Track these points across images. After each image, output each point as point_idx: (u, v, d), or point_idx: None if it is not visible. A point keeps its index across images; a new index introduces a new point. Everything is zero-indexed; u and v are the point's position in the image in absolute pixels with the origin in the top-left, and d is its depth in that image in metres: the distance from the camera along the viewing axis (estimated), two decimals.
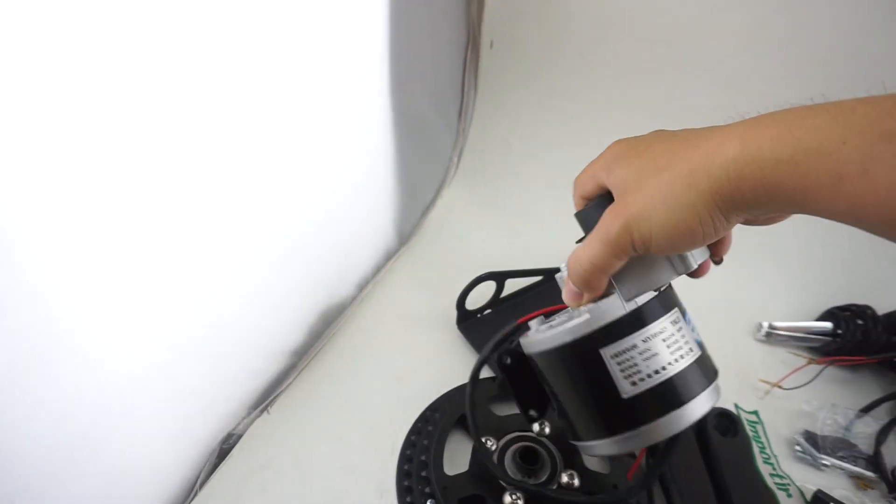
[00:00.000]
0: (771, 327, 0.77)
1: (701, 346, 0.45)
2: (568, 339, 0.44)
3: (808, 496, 0.61)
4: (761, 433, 0.66)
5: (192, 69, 0.39)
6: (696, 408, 0.42)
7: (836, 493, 0.61)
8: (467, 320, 0.74)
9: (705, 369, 0.44)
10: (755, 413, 0.68)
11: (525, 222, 0.89)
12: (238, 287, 0.52)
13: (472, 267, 0.73)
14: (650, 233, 0.37)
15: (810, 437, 0.66)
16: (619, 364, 0.42)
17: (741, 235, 0.87)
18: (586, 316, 0.43)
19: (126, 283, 0.40)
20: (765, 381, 0.70)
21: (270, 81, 0.47)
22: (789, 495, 0.61)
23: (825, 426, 0.67)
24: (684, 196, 0.35)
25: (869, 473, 0.64)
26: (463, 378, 0.69)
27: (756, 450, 0.63)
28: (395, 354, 0.71)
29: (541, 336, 0.47)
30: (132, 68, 0.35)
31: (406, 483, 0.59)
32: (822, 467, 0.64)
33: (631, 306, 0.43)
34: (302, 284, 0.64)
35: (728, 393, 0.71)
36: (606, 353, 0.42)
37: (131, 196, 0.38)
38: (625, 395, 0.42)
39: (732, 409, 0.67)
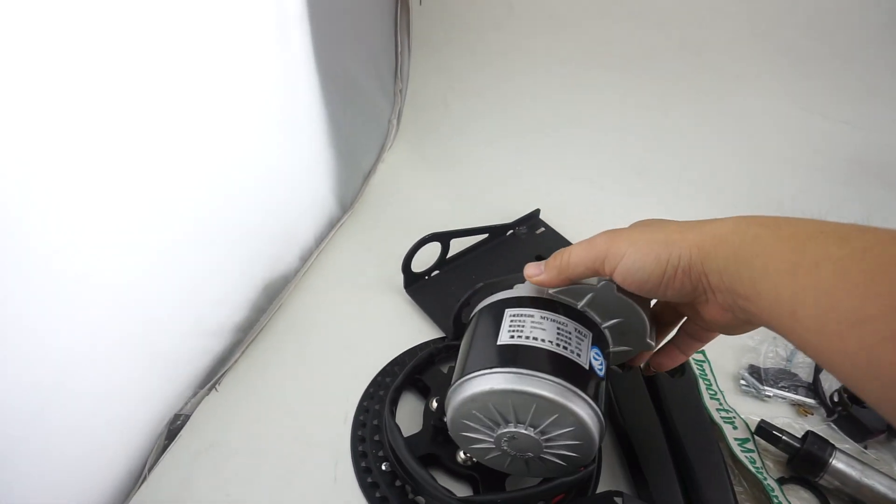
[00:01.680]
0: None
1: (592, 368, 0.48)
2: (504, 296, 0.52)
3: (753, 426, 0.63)
4: (708, 371, 0.67)
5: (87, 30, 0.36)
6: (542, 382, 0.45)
7: (778, 422, 0.64)
8: (415, 283, 0.73)
9: (572, 375, 0.46)
10: (702, 353, 0.69)
11: (470, 180, 0.88)
12: (171, 266, 0.50)
13: (418, 229, 0.72)
14: (624, 252, 0.43)
15: (754, 371, 0.68)
16: (512, 322, 0.49)
17: (682, 186, 0.88)
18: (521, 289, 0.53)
19: (61, 256, 0.38)
20: None
21: (176, 40, 0.44)
22: (735, 427, 0.62)
23: (767, 359, 0.69)
24: (663, 238, 0.42)
25: (809, 400, 0.66)
26: (413, 340, 0.69)
27: (703, 387, 0.65)
28: (343, 323, 0.70)
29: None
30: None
31: (360, 448, 0.59)
32: (766, 398, 0.67)
33: (555, 296, 0.51)
34: (240, 259, 0.62)
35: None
36: (508, 312, 0.50)
37: (47, 169, 0.36)
38: (498, 342, 0.48)
39: None
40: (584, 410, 0.46)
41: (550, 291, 0.51)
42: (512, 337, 0.48)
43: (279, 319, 0.69)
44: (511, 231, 0.81)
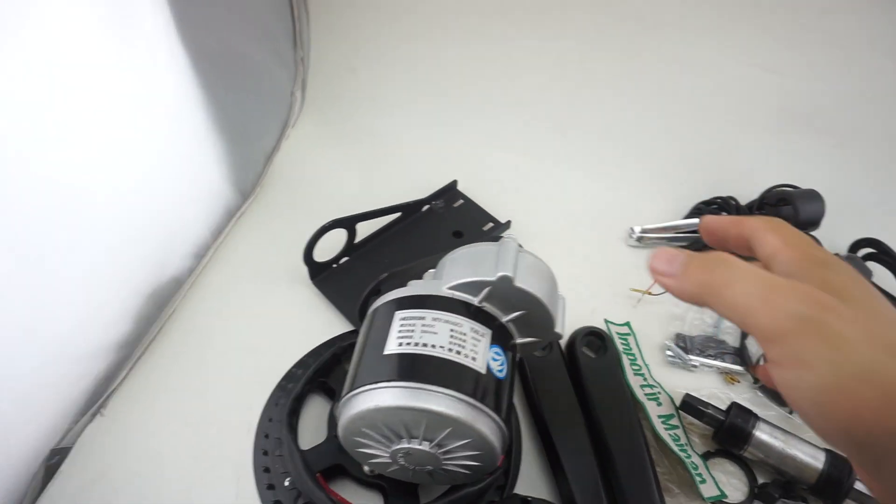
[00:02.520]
0: (642, 231, 0.75)
1: (490, 371, 0.44)
2: (389, 298, 0.48)
3: (679, 400, 0.60)
4: (633, 344, 0.64)
5: None
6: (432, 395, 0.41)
7: (705, 393, 0.61)
8: (321, 273, 0.68)
9: (466, 383, 0.42)
10: (627, 325, 0.66)
11: (383, 153, 0.82)
12: (28, 282, 0.44)
13: (327, 212, 0.67)
14: (811, 358, 0.27)
15: (681, 340, 0.65)
16: (402, 327, 0.45)
17: (607, 145, 0.84)
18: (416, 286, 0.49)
19: None
20: (636, 290, 0.69)
21: None
22: (659, 403, 0.60)
23: (693, 326, 0.66)
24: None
25: (736, 367, 0.64)
26: (322, 336, 0.64)
27: (626, 363, 0.62)
28: (246, 323, 0.65)
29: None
30: None
31: (263, 463, 0.55)
32: (692, 368, 0.64)
33: (448, 293, 0.46)
34: (117, 267, 0.56)
35: (602, 308, 0.69)
36: (398, 315, 0.46)
37: None
38: (385, 352, 0.44)
39: (603, 326, 0.65)
40: (481, 421, 0.42)
41: (445, 288, 0.47)
42: (400, 345, 0.44)
43: (173, 327, 0.63)
44: (427, 206, 0.75)
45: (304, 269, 0.67)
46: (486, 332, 0.45)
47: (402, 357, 0.43)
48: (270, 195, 0.76)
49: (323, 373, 0.59)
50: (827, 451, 0.55)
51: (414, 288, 0.48)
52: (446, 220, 0.75)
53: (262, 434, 0.57)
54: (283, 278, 0.69)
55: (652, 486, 0.53)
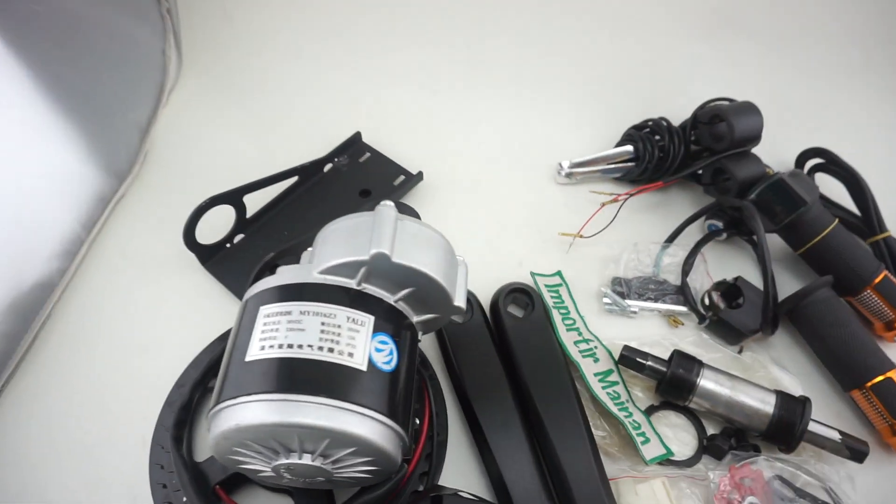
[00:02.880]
0: (571, 165, 0.67)
1: (373, 365, 0.38)
2: (255, 290, 0.41)
3: (618, 354, 0.54)
4: (565, 297, 0.58)
5: None
6: (299, 406, 0.35)
7: (648, 340, 0.56)
8: (213, 257, 0.60)
9: (340, 385, 0.36)
10: (558, 274, 0.60)
11: (278, 111, 0.72)
12: None
13: (220, 186, 0.58)
14: None
15: (618, 284, 0.59)
16: (265, 325, 0.38)
17: (525, 74, 0.75)
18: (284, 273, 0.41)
19: None
20: (565, 234, 0.62)
21: None
22: (596, 360, 0.54)
23: (629, 268, 0.60)
24: None
25: (679, 308, 0.58)
26: (222, 327, 0.57)
27: (557, 319, 0.56)
28: (134, 323, 0.58)
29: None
30: None
31: (161, 478, 0.49)
32: (632, 315, 0.58)
33: (319, 278, 0.40)
34: None
35: (530, 258, 0.62)
36: (262, 311, 0.39)
37: None
38: (247, 358, 0.37)
39: (530, 280, 0.59)
40: (365, 426, 0.36)
41: (317, 272, 0.40)
42: (263, 348, 0.37)
43: (47, 339, 0.56)
44: (329, 165, 0.67)
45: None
46: (367, 320, 0.39)
47: (265, 363, 0.36)
48: (152, 174, 0.67)
49: (216, 373, 0.52)
50: (777, 392, 0.50)
51: (282, 276, 0.41)
52: (352, 178, 0.67)
53: (159, 446, 0.51)
54: (173, 267, 0.61)
55: (589, 456, 0.48)
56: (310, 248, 0.46)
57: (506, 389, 0.51)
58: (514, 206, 0.66)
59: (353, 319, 0.38)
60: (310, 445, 0.37)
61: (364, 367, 0.37)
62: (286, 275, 0.41)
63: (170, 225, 0.62)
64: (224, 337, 0.56)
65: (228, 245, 0.61)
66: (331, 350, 0.37)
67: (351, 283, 0.40)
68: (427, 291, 0.41)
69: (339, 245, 0.40)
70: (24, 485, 0.49)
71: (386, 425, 0.37)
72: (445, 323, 0.46)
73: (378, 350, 0.38)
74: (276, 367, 0.36)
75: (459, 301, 0.43)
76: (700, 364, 0.51)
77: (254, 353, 0.37)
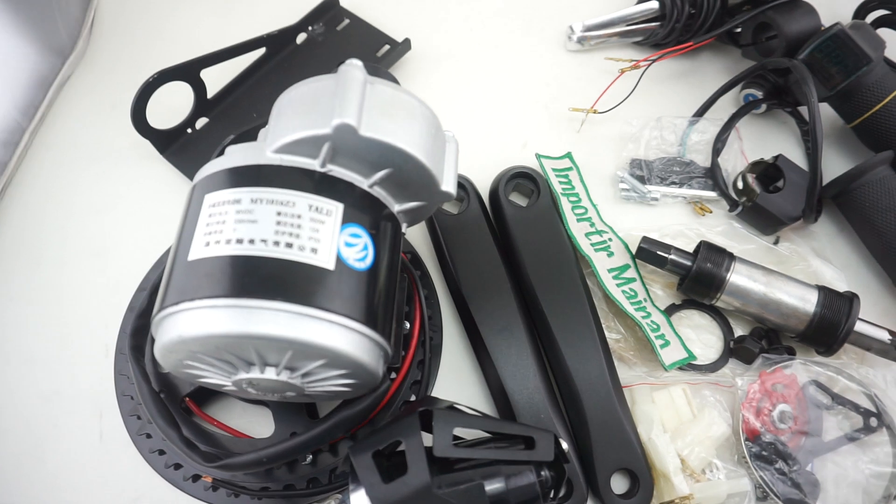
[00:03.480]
0: (585, 29, 0.57)
1: (342, 263, 0.31)
2: (201, 175, 0.34)
3: (634, 247, 0.48)
4: (576, 181, 0.50)
5: None
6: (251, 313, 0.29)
7: (671, 231, 0.49)
8: (172, 144, 0.53)
9: (303, 287, 0.30)
10: (567, 156, 0.52)
11: None
12: None
13: (175, 61, 0.50)
14: None
15: (638, 167, 0.51)
16: (210, 217, 0.31)
17: None
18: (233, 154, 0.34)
19: None
20: (577, 109, 0.53)
21: None
22: (610, 254, 0.47)
23: (651, 148, 0.52)
24: None
25: (707, 193, 0.50)
26: None
27: (566, 208, 0.49)
28: (87, 221, 0.51)
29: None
30: None
31: (127, 391, 0.45)
32: (653, 202, 0.51)
33: (275, 159, 0.32)
34: None
35: (536, 139, 0.54)
36: (207, 199, 0.32)
37: None
38: (190, 257, 0.30)
39: (535, 163, 0.51)
40: (330, 335, 0.30)
41: (271, 151, 0.32)
42: (208, 244, 0.30)
43: None
44: (303, 34, 0.58)
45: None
46: (334, 208, 0.32)
47: (210, 262, 0.30)
48: (99, 50, 0.58)
49: None
50: (820, 288, 0.44)
51: (230, 157, 0.34)
52: (329, 49, 0.57)
53: (123, 355, 0.46)
54: (129, 157, 0.54)
55: (600, 361, 0.43)
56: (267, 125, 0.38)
57: (507, 288, 0.45)
58: (518, 79, 0.57)
59: (317, 208, 0.31)
60: (271, 358, 0.31)
61: (331, 266, 0.30)
62: (235, 156, 0.33)
63: (122, 109, 0.54)
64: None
65: (189, 130, 0.53)
66: (289, 245, 0.30)
67: (313, 165, 0.33)
68: (407, 173, 0.34)
69: (297, 117, 0.32)
70: None
71: (361, 333, 0.31)
72: (432, 212, 0.39)
73: (349, 245, 0.32)
74: (223, 266, 0.30)
75: (448, 185, 0.35)
76: (731, 257, 0.44)
77: (197, 250, 0.30)
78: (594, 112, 0.52)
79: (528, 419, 0.41)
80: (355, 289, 0.31)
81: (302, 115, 0.32)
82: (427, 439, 0.33)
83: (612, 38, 0.57)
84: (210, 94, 0.53)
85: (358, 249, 0.32)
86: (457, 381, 0.45)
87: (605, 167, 0.52)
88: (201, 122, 0.54)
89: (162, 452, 0.42)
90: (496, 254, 0.46)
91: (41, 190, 0.52)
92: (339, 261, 0.31)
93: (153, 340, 0.32)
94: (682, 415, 0.42)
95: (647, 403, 0.43)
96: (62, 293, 0.49)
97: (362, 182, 0.34)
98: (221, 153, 0.44)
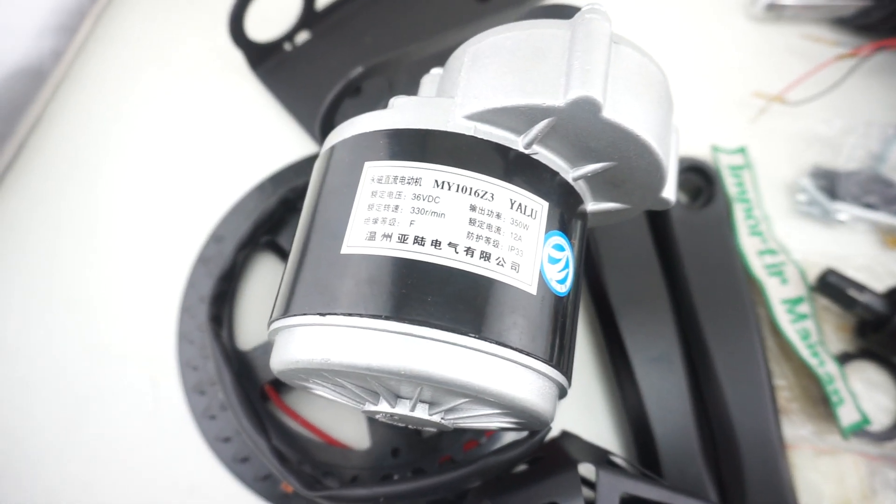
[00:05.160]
0: None
1: (544, 285, 0.23)
2: (354, 131, 0.25)
3: (811, 276, 0.40)
4: (748, 184, 0.42)
5: None
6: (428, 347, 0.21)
7: (852, 263, 0.40)
8: (266, 59, 0.43)
9: (498, 318, 0.21)
10: (741, 151, 0.43)
11: None
12: None
13: None
14: None
15: (823, 177, 0.42)
16: (374, 196, 0.23)
17: None
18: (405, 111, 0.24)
19: None
20: (760, 95, 0.44)
21: None
22: (784, 281, 0.39)
23: (852, 157, 0.43)
24: None
25: None
26: (272, 160, 0.42)
27: (739, 216, 0.40)
28: (152, 135, 0.43)
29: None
30: None
31: (192, 359, 0.37)
32: (837, 223, 0.42)
33: (468, 128, 0.24)
34: None
35: (704, 124, 0.45)
36: (370, 171, 0.23)
37: None
38: (343, 249, 0.22)
39: (708, 154, 0.42)
40: (520, 383, 0.22)
41: (462, 117, 0.23)
42: (372, 237, 0.22)
43: (36, 147, 0.41)
44: None
45: (238, 52, 0.42)
46: (540, 208, 0.23)
47: (374, 263, 0.22)
48: None
49: (269, 229, 0.38)
50: None
51: (401, 113, 0.25)
52: None
53: (189, 315, 0.38)
54: (212, 67, 0.44)
55: (767, 411, 0.36)
56: (436, 71, 0.29)
57: (666, 309, 0.37)
58: (684, 45, 0.47)
59: (520, 206, 0.23)
60: (431, 397, 0.23)
61: (534, 289, 0.22)
62: (409, 112, 0.24)
63: (202, 5, 0.44)
64: (280, 179, 0.41)
65: (288, 46, 0.44)
66: (485, 256, 0.22)
67: (515, 142, 0.24)
68: (632, 170, 0.25)
69: (509, 75, 0.23)
70: (13, 348, 0.37)
71: (549, 378, 0.23)
72: (628, 218, 0.30)
73: (552, 260, 0.23)
74: (396, 273, 0.21)
75: (669, 191, 0.27)
76: None
77: (357, 241, 0.22)
78: (781, 101, 0.43)
79: (672, 469, 0.35)
80: (550, 319, 0.23)
81: (518, 72, 0.23)
82: None
83: (811, 9, 0.46)
84: (319, 3, 0.43)
85: (560, 267, 0.24)
86: (586, 407, 0.38)
87: (780, 171, 0.43)
88: (302, 37, 0.44)
89: (228, 440, 0.35)
90: (655, 263, 0.38)
91: (101, 90, 0.43)
92: (542, 280, 0.23)
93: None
94: (851, 492, 0.36)
95: (810, 470, 0.36)
96: (115, 225, 0.41)
97: (567, 171, 0.25)
98: (346, 89, 0.35)
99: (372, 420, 0.35)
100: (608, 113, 0.22)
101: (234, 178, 0.41)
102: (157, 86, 0.44)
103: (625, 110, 0.23)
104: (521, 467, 0.30)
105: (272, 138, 0.43)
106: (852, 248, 0.41)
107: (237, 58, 0.42)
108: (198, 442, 0.36)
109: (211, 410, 0.36)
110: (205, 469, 0.35)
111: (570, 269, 0.24)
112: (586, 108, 0.22)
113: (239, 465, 0.35)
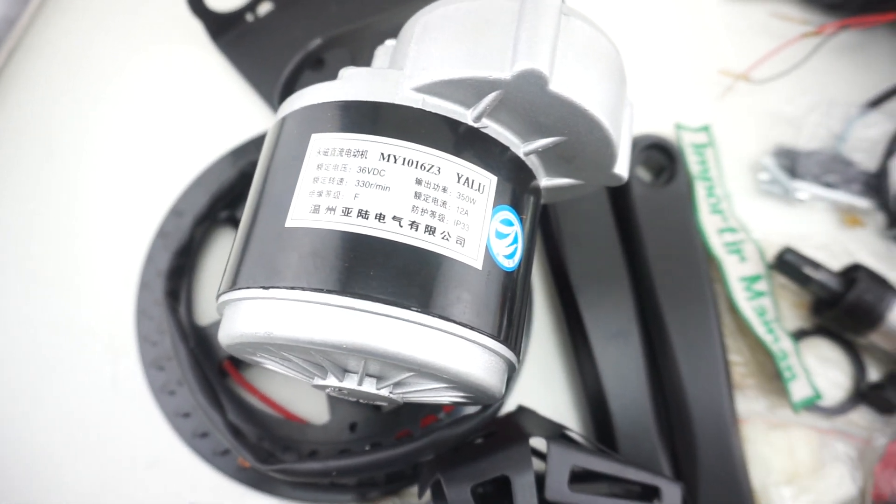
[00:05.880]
0: None
1: (490, 260, 0.23)
2: (303, 102, 0.25)
3: (770, 254, 0.40)
4: (711, 162, 0.42)
5: None
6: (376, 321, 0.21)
7: (811, 241, 0.41)
8: (228, 31, 0.42)
9: (443, 290, 0.21)
10: (705, 130, 0.43)
11: None
12: None
13: None
14: None
15: (786, 156, 0.43)
16: (319, 169, 0.22)
17: None
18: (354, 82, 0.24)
19: None
20: (726, 73, 0.44)
21: None
22: (743, 259, 0.40)
23: (814, 136, 0.43)
24: None
25: (862, 202, 0.42)
26: (233, 135, 0.41)
27: (701, 194, 0.40)
28: (110, 105, 0.42)
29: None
30: None
31: (150, 335, 0.37)
32: (798, 201, 0.43)
33: (416, 100, 0.23)
34: None
35: (668, 100, 0.45)
36: (315, 143, 0.23)
37: None
38: (288, 222, 0.22)
39: (671, 131, 0.42)
40: (468, 358, 0.22)
41: (411, 89, 0.23)
42: (317, 210, 0.22)
43: None
44: None
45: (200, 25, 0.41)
46: (488, 182, 0.23)
47: (318, 236, 0.22)
48: None
49: (228, 203, 0.38)
50: None
51: (350, 84, 0.24)
52: None
53: (147, 291, 0.38)
54: (173, 37, 0.43)
55: (721, 387, 0.36)
56: (390, 42, 0.29)
57: (625, 286, 0.37)
58: (652, 21, 0.47)
59: (467, 180, 0.23)
60: (378, 371, 0.23)
61: (479, 264, 0.22)
62: (357, 85, 0.24)
63: None
64: (240, 152, 0.40)
65: (250, 17, 0.43)
66: (430, 230, 0.22)
67: (464, 116, 0.24)
68: (582, 145, 0.25)
69: (457, 46, 0.23)
70: None
71: (494, 352, 0.23)
72: (584, 194, 0.30)
73: (499, 235, 0.23)
74: (339, 246, 0.21)
75: (621, 167, 0.27)
76: (893, 290, 0.37)
77: (301, 214, 0.22)
78: (745, 79, 0.43)
79: (628, 444, 0.35)
80: (498, 294, 0.23)
81: (466, 44, 0.23)
82: None
83: None
84: None
85: (508, 242, 0.24)
86: (544, 382, 0.38)
87: (744, 149, 0.44)
88: (264, 7, 0.43)
89: (187, 415, 0.35)
90: (615, 239, 0.38)
91: (54, 60, 0.42)
92: (488, 257, 0.23)
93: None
94: (801, 465, 0.37)
95: (761, 443, 0.37)
96: (73, 200, 0.40)
97: (518, 146, 0.25)
98: (304, 61, 0.34)
99: (331, 395, 0.35)
100: (555, 86, 0.22)
101: (195, 151, 0.40)
102: (114, 56, 0.43)
103: (573, 84, 0.22)
104: (478, 441, 0.30)
105: (234, 111, 0.42)
106: (811, 226, 0.42)
107: (198, 28, 0.41)
108: (157, 417, 0.35)
109: (170, 386, 0.36)
110: (164, 444, 0.35)
111: (520, 244, 0.24)
112: (532, 81, 0.22)
113: (198, 440, 0.35)
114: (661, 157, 0.41)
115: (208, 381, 0.31)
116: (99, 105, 0.41)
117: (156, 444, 0.35)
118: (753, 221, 0.41)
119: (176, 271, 0.35)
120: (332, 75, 0.25)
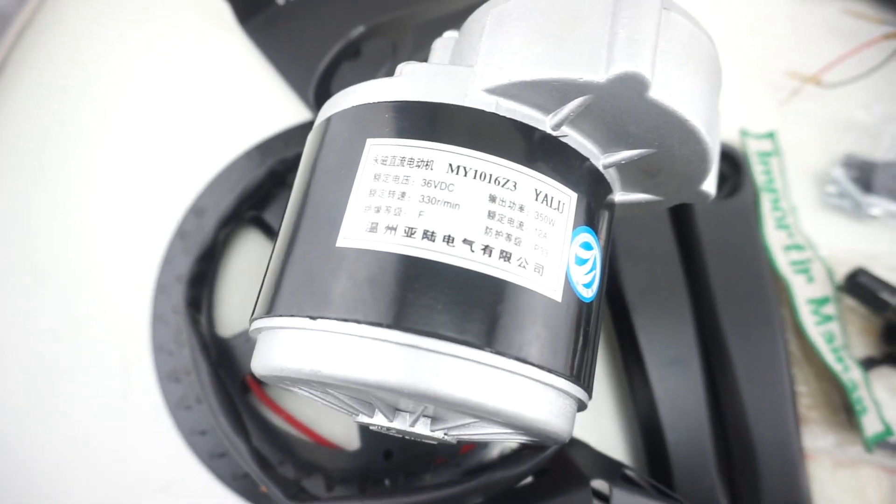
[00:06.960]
0: None
1: (570, 289, 0.20)
2: (354, 101, 0.21)
3: (838, 275, 0.37)
4: (776, 172, 0.38)
5: None
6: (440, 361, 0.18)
7: (882, 262, 0.38)
8: (256, 14, 0.39)
9: (518, 326, 0.18)
10: (770, 137, 0.39)
11: None
12: None
13: None
14: None
15: (857, 167, 0.39)
16: (377, 180, 0.19)
17: None
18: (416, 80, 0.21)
19: None
20: (793, 75, 0.40)
21: None
22: (810, 279, 0.37)
23: (893, 147, 0.39)
24: None
25: None
26: (260, 128, 0.38)
27: (766, 208, 0.37)
28: (127, 92, 0.39)
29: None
30: None
31: (166, 344, 0.34)
32: (868, 217, 0.39)
33: (489, 104, 0.20)
34: None
35: (730, 104, 0.41)
36: (372, 150, 0.20)
37: None
38: (339, 242, 0.19)
39: (735, 138, 0.39)
40: (539, 403, 0.19)
41: (482, 90, 0.20)
42: (373, 228, 0.19)
43: None
44: None
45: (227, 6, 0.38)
46: (568, 199, 0.20)
47: (376, 260, 0.18)
48: None
49: (255, 203, 0.35)
50: None
51: (410, 83, 0.21)
52: None
53: (164, 296, 0.35)
54: (195, 18, 0.40)
55: (788, 419, 0.33)
56: (449, 34, 0.25)
57: (685, 309, 0.34)
58: (715, 20, 0.43)
59: (546, 197, 0.20)
60: (435, 412, 0.21)
61: (559, 295, 0.19)
62: (418, 83, 0.21)
63: None
64: (268, 148, 0.37)
65: (281, 0, 0.39)
66: (505, 256, 0.19)
67: (542, 122, 0.20)
68: (672, 158, 0.22)
69: (537, 42, 0.20)
70: None
71: (569, 395, 0.20)
72: (658, 211, 0.27)
73: (580, 261, 0.20)
74: (401, 273, 0.18)
75: (710, 182, 0.24)
76: None
77: (355, 232, 0.19)
78: (816, 83, 0.40)
79: (684, 480, 0.32)
80: (574, 330, 0.20)
81: (551, 40, 0.20)
82: None
83: None
84: None
85: (587, 269, 0.21)
86: (591, 408, 0.35)
87: (809, 159, 0.40)
88: None
89: (204, 433, 0.33)
90: (675, 256, 0.35)
91: (69, 40, 0.39)
92: (568, 287, 0.20)
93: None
94: None
95: (827, 483, 0.34)
96: (86, 194, 0.37)
97: (597, 157, 0.22)
98: (345, 51, 0.31)
99: None
100: (655, 93, 0.19)
101: (217, 144, 0.37)
102: (134, 38, 0.39)
103: (674, 90, 0.19)
104: (528, 480, 0.27)
105: (261, 102, 0.39)
106: (884, 245, 0.39)
107: (224, 10, 0.38)
108: (172, 434, 0.33)
109: (186, 401, 0.33)
110: (179, 464, 0.32)
111: (597, 271, 0.21)
112: (631, 87, 0.18)
113: (216, 460, 0.32)
114: (724, 166, 0.37)
115: (232, 402, 0.28)
116: (118, 91, 0.38)
117: (170, 463, 0.32)
118: (819, 238, 0.38)
119: (197, 278, 0.32)
120: (370, 68, 0.22)
